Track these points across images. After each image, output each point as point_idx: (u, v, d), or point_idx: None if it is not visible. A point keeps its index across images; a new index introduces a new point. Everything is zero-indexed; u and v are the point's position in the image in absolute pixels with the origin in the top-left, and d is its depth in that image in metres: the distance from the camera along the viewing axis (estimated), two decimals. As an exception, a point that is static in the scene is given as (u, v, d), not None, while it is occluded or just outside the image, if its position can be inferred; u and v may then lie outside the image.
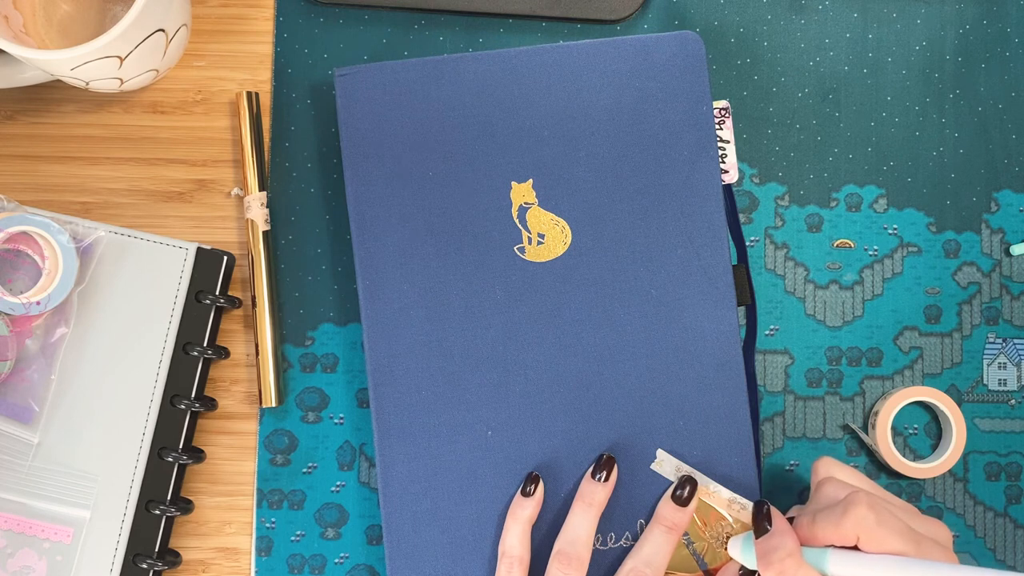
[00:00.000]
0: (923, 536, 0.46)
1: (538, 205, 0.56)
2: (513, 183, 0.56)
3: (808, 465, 0.59)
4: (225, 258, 0.58)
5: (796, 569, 0.46)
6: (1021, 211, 0.61)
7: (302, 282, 0.60)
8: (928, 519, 0.49)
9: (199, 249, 0.58)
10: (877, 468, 0.60)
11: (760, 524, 0.49)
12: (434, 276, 0.55)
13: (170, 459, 0.56)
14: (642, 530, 0.54)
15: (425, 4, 0.61)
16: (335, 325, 0.60)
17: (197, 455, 0.57)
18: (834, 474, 0.51)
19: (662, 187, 0.56)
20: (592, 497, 0.52)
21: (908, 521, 0.47)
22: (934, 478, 0.59)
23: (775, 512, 0.50)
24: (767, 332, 0.60)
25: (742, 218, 0.61)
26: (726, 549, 0.52)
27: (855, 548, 0.46)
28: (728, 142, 0.57)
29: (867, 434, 0.60)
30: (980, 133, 0.61)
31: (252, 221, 0.59)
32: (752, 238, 0.61)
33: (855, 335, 0.60)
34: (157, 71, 0.58)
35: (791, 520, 0.49)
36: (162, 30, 0.54)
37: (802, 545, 0.48)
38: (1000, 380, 0.60)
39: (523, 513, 0.53)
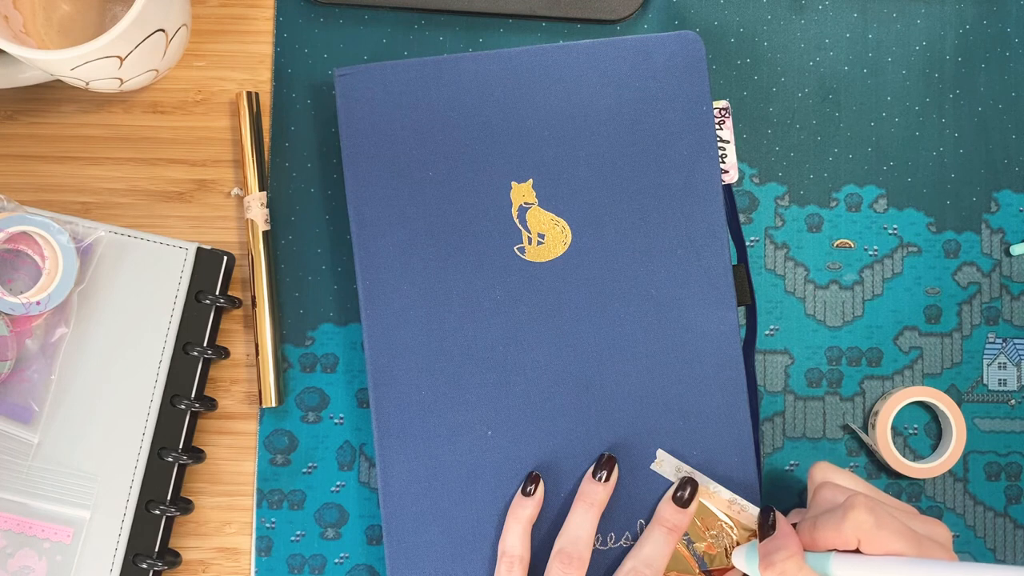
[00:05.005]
0: (923, 536, 0.46)
1: (538, 205, 0.56)
2: (513, 183, 0.56)
3: (808, 465, 0.59)
4: (225, 258, 0.58)
5: (797, 571, 0.46)
6: (1021, 211, 0.61)
7: (302, 282, 0.60)
8: (927, 519, 0.49)
9: (199, 249, 0.58)
10: (877, 468, 0.60)
11: (766, 532, 0.49)
12: (434, 276, 0.55)
13: (170, 459, 0.56)
14: (642, 530, 0.54)
15: (425, 4, 0.61)
16: (335, 325, 0.60)
17: (197, 455, 0.57)
18: (831, 478, 0.51)
19: (662, 187, 0.56)
20: (593, 497, 0.52)
21: (907, 522, 0.47)
22: (934, 478, 0.59)
23: (780, 517, 0.49)
24: (767, 332, 0.60)
25: (742, 218, 0.61)
26: (729, 556, 0.52)
27: (857, 551, 0.46)
28: (728, 142, 0.57)
29: (867, 434, 0.60)
30: (980, 133, 0.61)
31: (252, 221, 0.59)
32: (752, 238, 0.61)
33: (855, 335, 0.60)
34: (157, 71, 0.58)
35: (794, 526, 0.49)
36: (162, 30, 0.54)
37: (805, 550, 0.48)
38: (1000, 380, 0.60)
39: (523, 513, 0.53)
